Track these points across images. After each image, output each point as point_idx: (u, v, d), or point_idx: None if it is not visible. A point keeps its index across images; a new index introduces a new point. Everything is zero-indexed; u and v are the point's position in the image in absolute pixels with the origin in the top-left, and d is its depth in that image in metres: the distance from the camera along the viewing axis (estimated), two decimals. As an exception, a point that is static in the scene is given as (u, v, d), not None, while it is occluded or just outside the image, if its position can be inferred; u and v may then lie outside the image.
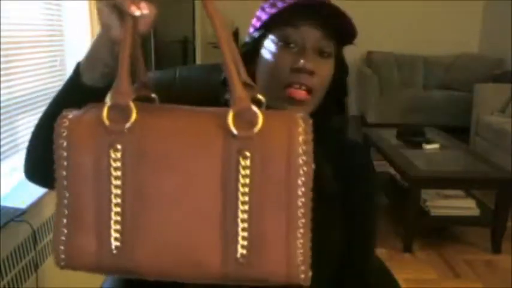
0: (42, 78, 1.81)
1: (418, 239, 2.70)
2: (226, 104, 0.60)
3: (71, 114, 0.52)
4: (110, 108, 0.51)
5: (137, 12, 0.52)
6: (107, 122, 0.50)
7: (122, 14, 0.54)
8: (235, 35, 4.98)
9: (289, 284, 0.50)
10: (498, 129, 3.81)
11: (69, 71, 1.97)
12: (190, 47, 4.25)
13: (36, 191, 1.53)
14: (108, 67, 0.61)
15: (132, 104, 0.51)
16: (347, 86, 0.85)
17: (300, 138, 0.49)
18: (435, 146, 3.10)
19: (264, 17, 0.80)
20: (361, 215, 0.87)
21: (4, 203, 1.43)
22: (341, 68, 0.82)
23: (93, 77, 0.64)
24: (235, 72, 0.51)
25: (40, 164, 0.67)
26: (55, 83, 1.89)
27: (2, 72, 1.51)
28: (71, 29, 1.98)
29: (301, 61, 0.75)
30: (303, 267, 0.50)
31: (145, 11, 0.53)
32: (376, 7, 5.32)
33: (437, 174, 2.74)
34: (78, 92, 0.65)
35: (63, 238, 0.52)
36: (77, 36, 1.98)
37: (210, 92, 0.87)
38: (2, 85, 1.51)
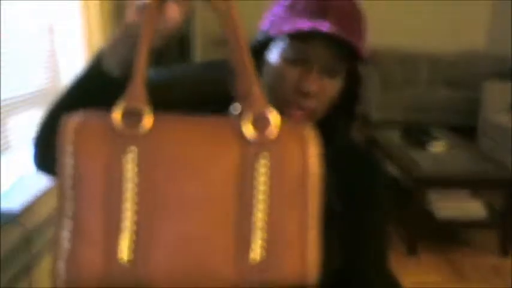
0: (34, 77, 1.78)
1: (422, 241, 2.66)
2: (229, 101, 0.58)
3: (76, 118, 0.50)
4: (124, 111, 0.49)
5: None
6: (120, 126, 0.48)
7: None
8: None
9: (300, 286, 0.51)
10: (505, 129, 3.77)
11: (61, 70, 1.95)
12: (187, 44, 4.20)
13: (30, 193, 1.51)
14: (121, 56, 0.61)
15: (147, 109, 0.49)
16: (359, 95, 0.81)
17: (311, 141, 0.52)
18: (441, 145, 3.04)
19: (283, 15, 0.75)
20: (367, 236, 0.84)
21: (-1, 205, 1.40)
22: (353, 78, 0.79)
23: (108, 63, 0.63)
24: (254, 74, 0.52)
25: (50, 152, 0.63)
26: (47, 83, 1.86)
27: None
28: (63, 28, 1.94)
29: (305, 84, 0.72)
30: (314, 269, 0.51)
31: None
32: (378, 2, 5.26)
33: (442, 174, 2.69)
34: (93, 75, 0.65)
35: (64, 254, 0.48)
36: (68, 35, 1.95)
37: (212, 91, 0.85)
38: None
